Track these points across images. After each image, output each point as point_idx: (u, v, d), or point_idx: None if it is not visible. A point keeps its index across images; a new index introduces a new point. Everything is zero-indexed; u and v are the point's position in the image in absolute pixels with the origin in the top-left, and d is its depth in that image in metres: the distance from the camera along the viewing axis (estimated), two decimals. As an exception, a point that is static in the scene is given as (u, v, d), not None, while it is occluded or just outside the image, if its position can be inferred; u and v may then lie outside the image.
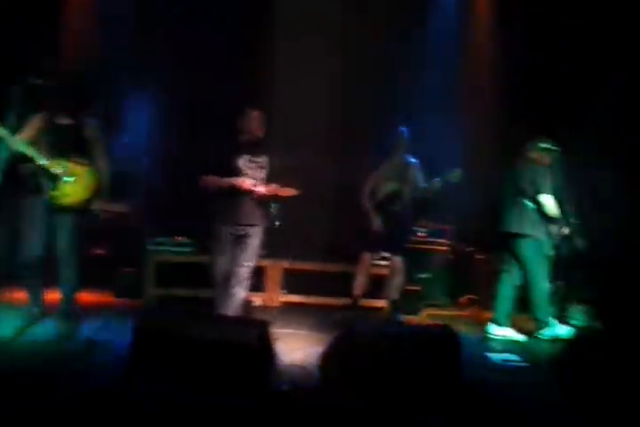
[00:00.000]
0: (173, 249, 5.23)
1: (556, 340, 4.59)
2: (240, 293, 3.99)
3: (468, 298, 5.79)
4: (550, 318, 4.68)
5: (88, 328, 3.95)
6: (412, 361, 2.74)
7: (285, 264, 5.41)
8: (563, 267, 4.88)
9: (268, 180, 4.00)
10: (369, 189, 4.96)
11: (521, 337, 4.66)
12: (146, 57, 5.62)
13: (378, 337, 2.87)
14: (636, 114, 5.27)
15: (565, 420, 2.94)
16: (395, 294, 5.04)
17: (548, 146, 4.70)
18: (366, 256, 5.01)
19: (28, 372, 3.01)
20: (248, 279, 4.03)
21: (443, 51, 5.96)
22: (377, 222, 4.90)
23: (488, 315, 4.84)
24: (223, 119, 4.21)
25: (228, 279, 3.96)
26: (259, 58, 5.73)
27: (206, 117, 5.60)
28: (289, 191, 3.95)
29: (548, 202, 4.58)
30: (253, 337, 2.59)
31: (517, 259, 4.71)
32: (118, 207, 5.30)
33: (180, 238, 5.28)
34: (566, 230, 4.67)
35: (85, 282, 4.07)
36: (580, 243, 4.68)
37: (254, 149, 4.00)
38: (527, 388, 3.49)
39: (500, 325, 4.68)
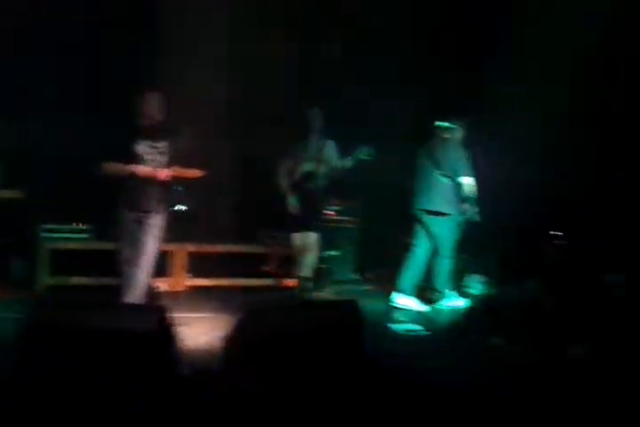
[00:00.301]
0: (68, 236, 4.99)
1: (454, 309, 4.82)
2: (143, 278, 3.90)
3: (376, 273, 5.93)
4: (448, 289, 4.91)
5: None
6: (317, 338, 2.77)
7: (190, 248, 5.30)
8: (464, 239, 5.08)
9: (171, 163, 3.90)
10: (285, 170, 4.97)
11: (423, 307, 4.85)
12: (36, 42, 5.25)
13: (282, 316, 2.86)
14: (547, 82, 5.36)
15: (465, 387, 3.07)
16: (307, 272, 5.08)
17: (454, 125, 4.84)
18: (295, 236, 5.01)
19: None
20: (151, 264, 3.94)
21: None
22: (293, 202, 4.94)
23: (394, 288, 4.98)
24: (123, 103, 4.02)
25: (131, 265, 3.86)
26: (158, 39, 5.49)
27: (104, 102, 5.33)
28: (193, 173, 3.89)
29: (467, 182, 4.72)
30: (152, 324, 2.51)
31: (430, 235, 4.86)
32: (8, 193, 4.97)
33: (75, 225, 5.04)
34: (476, 208, 4.81)
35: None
36: (474, 215, 4.86)
37: (154, 134, 3.88)
38: (429, 358, 3.63)
39: (404, 294, 4.84)
